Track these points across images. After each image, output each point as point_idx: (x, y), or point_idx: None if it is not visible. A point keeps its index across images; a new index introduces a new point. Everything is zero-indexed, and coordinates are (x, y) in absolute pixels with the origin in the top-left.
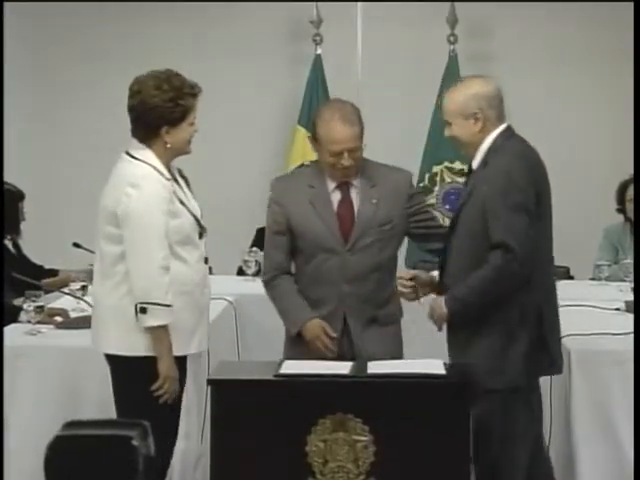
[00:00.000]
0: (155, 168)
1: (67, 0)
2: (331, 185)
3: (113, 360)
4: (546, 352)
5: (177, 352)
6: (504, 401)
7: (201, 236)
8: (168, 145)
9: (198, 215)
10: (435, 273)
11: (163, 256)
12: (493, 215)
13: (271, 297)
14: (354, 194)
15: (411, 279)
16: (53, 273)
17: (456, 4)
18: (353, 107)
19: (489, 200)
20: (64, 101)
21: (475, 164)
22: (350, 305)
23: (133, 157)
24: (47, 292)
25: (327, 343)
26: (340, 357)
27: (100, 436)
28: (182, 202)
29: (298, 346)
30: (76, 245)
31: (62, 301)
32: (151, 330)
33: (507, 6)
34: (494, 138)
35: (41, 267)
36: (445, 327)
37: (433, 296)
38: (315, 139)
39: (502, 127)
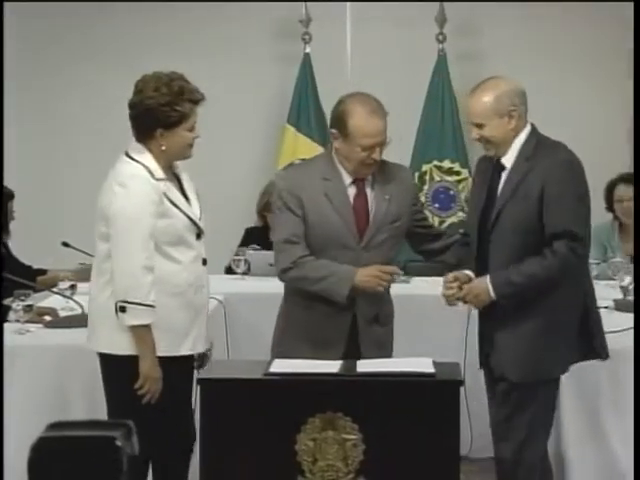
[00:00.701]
0: (147, 168)
1: (66, 0)
2: (347, 179)
3: (102, 358)
4: (591, 337)
5: (167, 352)
6: (549, 390)
7: (199, 237)
8: (163, 148)
9: (194, 216)
10: (468, 272)
11: (146, 256)
12: (556, 205)
13: (304, 273)
14: (368, 189)
15: (454, 280)
16: (42, 273)
17: (445, 4)
18: (377, 100)
19: (551, 190)
20: (54, 101)
21: (509, 161)
22: (359, 302)
23: (130, 157)
24: (36, 291)
25: (389, 269)
26: (345, 355)
27: (83, 437)
28: (174, 203)
29: (286, 343)
30: (65, 244)
31: (51, 300)
32: (133, 329)
33: (495, 6)
34: (528, 133)
35: (30, 267)
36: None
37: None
38: (344, 134)
39: (530, 124)
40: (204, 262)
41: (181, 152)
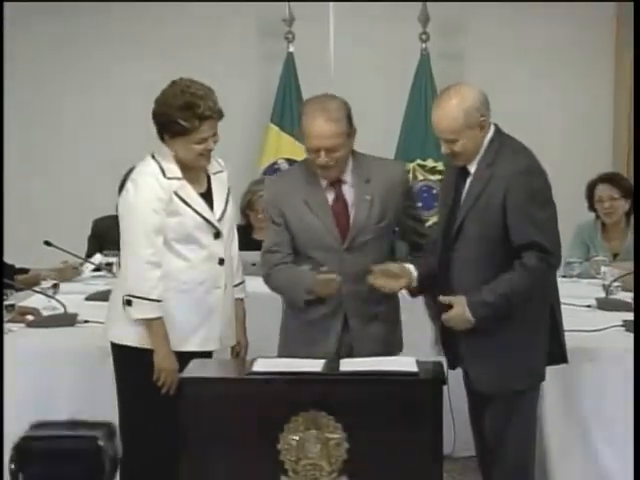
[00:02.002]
0: (160, 167)
1: (65, 0)
2: (324, 182)
3: (113, 348)
4: (558, 344)
5: (173, 347)
6: (529, 399)
7: (217, 237)
8: (173, 153)
9: (210, 217)
10: (407, 265)
11: (151, 252)
12: (520, 216)
13: (276, 282)
14: (347, 191)
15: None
16: (24, 272)
17: (428, 3)
18: (341, 103)
19: (513, 201)
20: (38, 99)
21: (473, 167)
22: (350, 304)
23: (152, 156)
24: (17, 290)
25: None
26: (339, 355)
27: (65, 437)
28: (185, 202)
29: (285, 343)
30: (47, 243)
31: (33, 299)
32: (142, 322)
33: (478, 5)
34: (491, 137)
35: (12, 266)
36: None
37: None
38: (301, 133)
39: (493, 125)
40: (221, 262)
41: (190, 161)
